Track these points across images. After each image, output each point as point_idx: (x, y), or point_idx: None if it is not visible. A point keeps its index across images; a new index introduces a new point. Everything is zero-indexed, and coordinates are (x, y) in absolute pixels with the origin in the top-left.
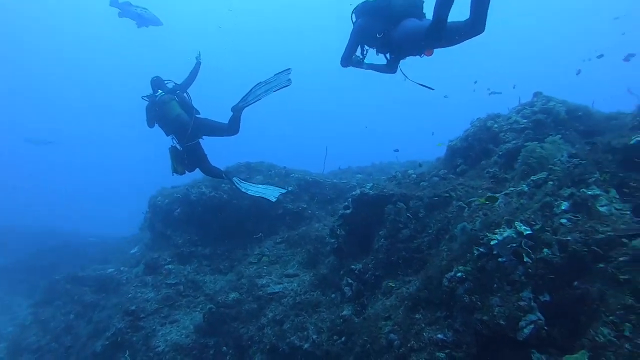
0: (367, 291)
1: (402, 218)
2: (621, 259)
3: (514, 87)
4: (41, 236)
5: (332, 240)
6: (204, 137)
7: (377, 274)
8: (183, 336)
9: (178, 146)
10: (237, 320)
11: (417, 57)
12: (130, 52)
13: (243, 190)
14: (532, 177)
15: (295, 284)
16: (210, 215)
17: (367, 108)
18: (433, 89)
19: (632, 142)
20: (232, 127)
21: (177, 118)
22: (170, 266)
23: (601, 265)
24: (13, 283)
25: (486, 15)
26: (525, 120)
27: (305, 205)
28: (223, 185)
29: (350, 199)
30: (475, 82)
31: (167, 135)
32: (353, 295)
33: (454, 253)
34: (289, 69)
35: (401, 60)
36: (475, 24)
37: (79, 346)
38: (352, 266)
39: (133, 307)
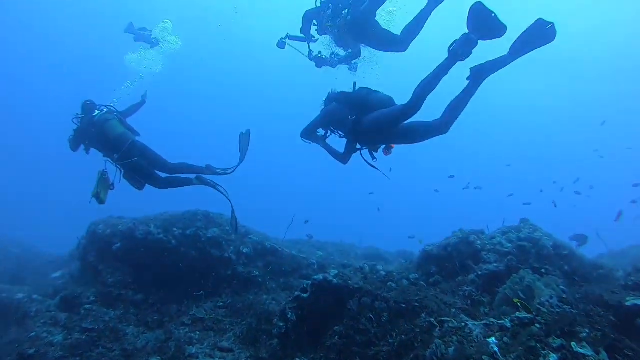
0: None
1: (364, 319)
2: None
3: (509, 196)
4: None
5: (281, 324)
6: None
7: None
8: None
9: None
10: None
11: (374, 155)
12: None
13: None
14: (517, 314)
15: None
16: (151, 259)
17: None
18: (389, 179)
19: (627, 303)
20: (171, 177)
21: (122, 136)
22: (91, 306)
23: None
24: None
25: (455, 120)
26: (509, 245)
27: (257, 273)
28: (175, 229)
29: (310, 283)
30: (453, 177)
31: (106, 156)
32: None
33: None
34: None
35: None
36: (444, 126)
37: None
38: (297, 359)
39: (31, 351)
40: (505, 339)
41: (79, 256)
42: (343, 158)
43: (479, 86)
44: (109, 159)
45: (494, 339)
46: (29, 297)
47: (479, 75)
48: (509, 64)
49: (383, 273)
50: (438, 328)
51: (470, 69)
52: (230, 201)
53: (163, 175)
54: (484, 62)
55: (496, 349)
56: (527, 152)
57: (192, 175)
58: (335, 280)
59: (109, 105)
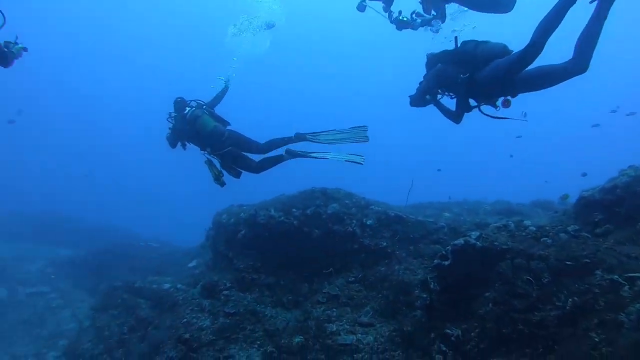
0: None
1: (520, 281)
2: None
3: None
4: (102, 232)
5: (424, 295)
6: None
7: (481, 347)
8: None
9: (213, 159)
10: None
11: (495, 107)
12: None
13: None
14: None
15: (371, 337)
16: (277, 242)
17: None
18: (526, 120)
19: None
20: (263, 159)
21: (214, 130)
22: (229, 292)
23: None
24: (78, 278)
25: (592, 55)
26: None
27: (385, 244)
28: (294, 210)
29: (450, 249)
30: (615, 111)
31: (203, 150)
32: None
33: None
34: (365, 126)
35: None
36: (580, 63)
37: None
38: (447, 330)
39: (187, 336)
40: None
41: (209, 246)
42: (456, 117)
43: (610, 7)
44: (205, 152)
45: None
46: (174, 287)
47: None
48: None
49: (533, 228)
50: (627, 286)
51: None
52: (327, 155)
53: (256, 159)
54: None
55: None
56: None
57: (282, 151)
58: (478, 243)
59: (198, 100)
